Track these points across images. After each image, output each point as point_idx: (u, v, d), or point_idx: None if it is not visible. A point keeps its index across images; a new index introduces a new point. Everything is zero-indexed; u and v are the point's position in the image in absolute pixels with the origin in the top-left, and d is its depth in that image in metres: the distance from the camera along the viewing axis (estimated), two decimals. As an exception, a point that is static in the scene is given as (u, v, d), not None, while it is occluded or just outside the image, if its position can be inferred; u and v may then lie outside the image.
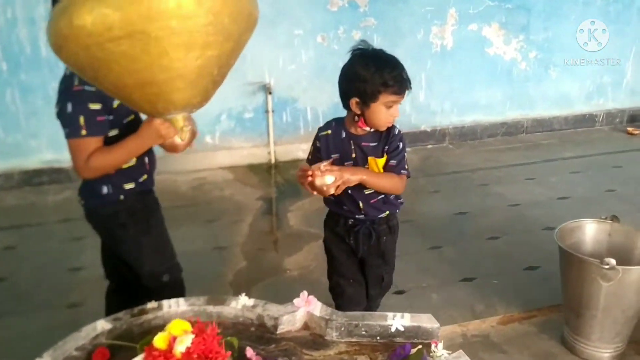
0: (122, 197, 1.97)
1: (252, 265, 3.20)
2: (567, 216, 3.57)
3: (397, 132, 2.05)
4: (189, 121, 1.70)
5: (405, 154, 2.06)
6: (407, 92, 1.96)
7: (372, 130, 2.01)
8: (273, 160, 4.89)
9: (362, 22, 4.82)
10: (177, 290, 2.07)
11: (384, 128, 1.99)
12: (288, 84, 4.79)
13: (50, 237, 3.60)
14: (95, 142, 1.81)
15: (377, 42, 4.60)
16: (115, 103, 1.84)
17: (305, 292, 1.52)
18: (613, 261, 2.20)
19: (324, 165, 1.88)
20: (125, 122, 1.91)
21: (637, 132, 5.70)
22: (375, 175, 1.99)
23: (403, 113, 4.93)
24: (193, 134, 1.86)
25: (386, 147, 2.02)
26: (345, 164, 2.02)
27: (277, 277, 3.06)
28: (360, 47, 1.97)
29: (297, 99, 4.86)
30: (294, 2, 4.60)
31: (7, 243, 3.51)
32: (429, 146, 5.33)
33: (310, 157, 2.12)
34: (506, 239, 3.48)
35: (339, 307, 2.15)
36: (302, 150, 4.94)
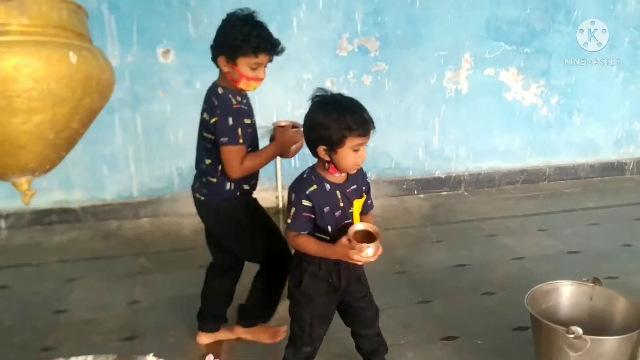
0: (239, 194, 2.49)
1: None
2: (574, 272, 3.54)
3: (364, 170, 2.21)
4: (291, 129, 2.49)
5: None
6: (372, 132, 2.05)
7: (346, 174, 2.12)
8: (281, 205, 4.94)
9: (372, 67, 4.89)
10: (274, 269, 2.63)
11: (353, 171, 2.10)
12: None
13: (45, 278, 3.73)
14: (245, 149, 2.35)
15: (388, 87, 4.74)
16: (253, 119, 2.45)
17: (210, 356, 1.55)
18: (579, 330, 2.14)
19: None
20: (254, 135, 2.49)
21: (668, 181, 5.53)
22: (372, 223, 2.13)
23: (417, 159, 5.00)
24: (300, 145, 2.40)
25: (364, 187, 2.19)
26: (336, 214, 2.10)
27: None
28: (318, 94, 2.08)
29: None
30: (303, 47, 4.70)
31: (3, 282, 3.65)
32: (444, 193, 5.30)
33: (295, 218, 2.08)
34: (501, 295, 3.41)
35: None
36: (310, 194, 4.99)
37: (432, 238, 4.32)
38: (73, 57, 1.21)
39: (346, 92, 4.66)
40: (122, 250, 4.18)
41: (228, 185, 2.44)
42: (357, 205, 2.13)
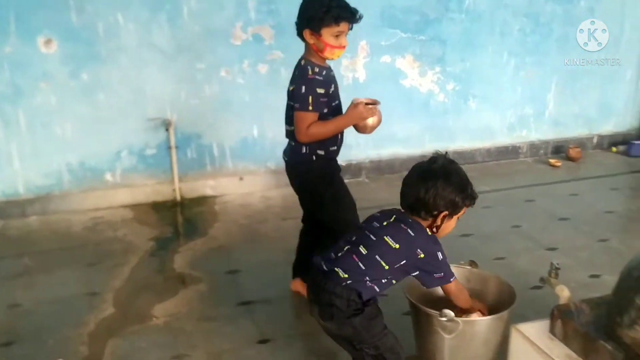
0: (314, 158, 2.76)
1: (118, 312, 3.18)
2: (464, 255, 3.67)
3: None
4: (376, 109, 2.71)
5: None
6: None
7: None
8: (179, 198, 4.89)
9: (268, 55, 4.89)
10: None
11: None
12: (192, 119, 4.82)
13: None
14: (314, 116, 2.64)
15: (285, 75, 4.73)
16: (331, 90, 2.71)
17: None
18: (451, 313, 2.24)
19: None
20: (333, 105, 2.75)
21: (559, 163, 5.85)
22: None
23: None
24: (379, 119, 2.74)
25: None
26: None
27: (140, 326, 3.04)
28: (439, 159, 2.24)
29: (202, 134, 4.90)
30: (195, 36, 4.65)
31: None
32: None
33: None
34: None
35: None
36: (209, 186, 4.98)
37: (329, 226, 4.39)
38: None
39: (242, 82, 4.72)
40: (5, 251, 4.03)
41: (303, 149, 2.75)
42: None
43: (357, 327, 2.07)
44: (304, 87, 2.63)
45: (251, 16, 4.76)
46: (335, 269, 2.07)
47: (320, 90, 2.64)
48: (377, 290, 2.10)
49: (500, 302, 2.47)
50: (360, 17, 2.64)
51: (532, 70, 5.85)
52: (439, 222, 2.12)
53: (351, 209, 2.88)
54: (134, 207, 4.77)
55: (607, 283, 2.19)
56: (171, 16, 4.54)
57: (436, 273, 2.11)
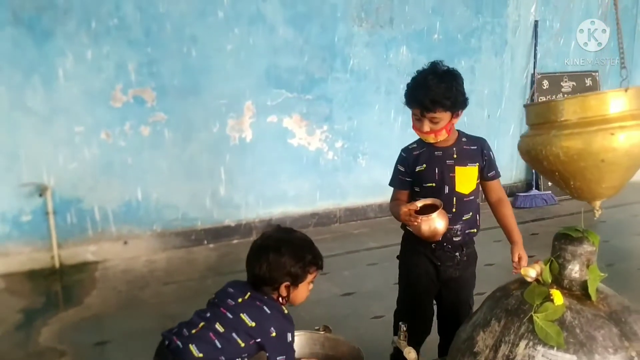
0: None
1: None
2: (343, 314, 3.84)
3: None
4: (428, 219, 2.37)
5: None
6: None
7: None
8: (57, 265, 4.84)
9: (150, 117, 4.99)
10: None
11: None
12: (71, 183, 4.83)
13: None
14: (395, 191, 2.72)
15: (169, 137, 4.85)
16: (418, 169, 2.57)
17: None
18: None
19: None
20: (425, 185, 2.57)
21: (448, 217, 6.15)
22: None
23: (204, 208, 5.13)
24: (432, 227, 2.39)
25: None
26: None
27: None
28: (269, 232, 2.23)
29: (83, 198, 4.90)
30: (72, 98, 4.70)
31: None
32: (235, 241, 5.49)
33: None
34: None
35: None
36: (90, 252, 4.96)
37: (212, 290, 4.38)
38: None
39: (123, 144, 4.79)
40: None
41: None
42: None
43: None
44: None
45: (131, 78, 4.87)
46: (190, 346, 2.05)
47: (401, 168, 2.69)
48: None
49: (347, 364, 2.59)
50: (435, 103, 2.38)
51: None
52: (283, 293, 2.12)
53: None
54: (7, 276, 4.68)
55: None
56: (46, 79, 4.59)
57: (280, 355, 2.07)
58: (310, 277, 2.19)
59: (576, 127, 1.54)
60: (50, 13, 4.54)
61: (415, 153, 2.60)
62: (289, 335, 2.09)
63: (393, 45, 5.90)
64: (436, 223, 2.33)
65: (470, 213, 2.61)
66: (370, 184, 6.10)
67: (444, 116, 2.42)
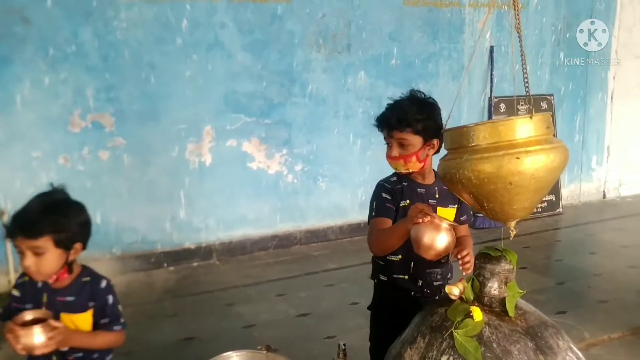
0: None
1: None
2: (298, 334, 3.88)
3: None
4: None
5: None
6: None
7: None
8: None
9: (109, 142, 5.01)
10: None
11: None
12: (28, 207, 4.80)
13: None
14: (378, 221, 2.33)
15: (128, 161, 4.87)
16: (402, 204, 2.35)
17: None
18: None
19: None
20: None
21: (407, 238, 6.23)
22: None
23: (164, 232, 5.14)
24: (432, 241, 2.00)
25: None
26: None
27: None
28: None
29: (40, 222, 4.87)
30: (29, 124, 4.71)
31: None
32: (194, 264, 5.50)
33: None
34: (218, 368, 3.61)
35: None
36: (47, 277, 4.90)
37: (168, 312, 4.47)
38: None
39: (82, 169, 4.79)
40: None
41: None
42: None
43: None
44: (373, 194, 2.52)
45: (90, 104, 4.90)
46: None
47: (386, 196, 2.40)
48: None
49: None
50: (402, 122, 2.28)
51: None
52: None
53: None
54: (-37, 302, 4.62)
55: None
56: (3, 104, 4.60)
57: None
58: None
59: (485, 152, 1.62)
60: (7, 41, 4.57)
61: (397, 186, 2.41)
62: None
63: (351, 71, 6.02)
64: (441, 235, 1.97)
65: (449, 255, 2.41)
66: (331, 206, 6.17)
67: (414, 140, 2.29)
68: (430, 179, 2.45)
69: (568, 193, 7.78)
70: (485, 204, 1.70)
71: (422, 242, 1.98)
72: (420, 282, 2.45)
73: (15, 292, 2.14)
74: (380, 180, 2.50)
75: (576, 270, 5.38)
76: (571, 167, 7.75)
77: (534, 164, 1.58)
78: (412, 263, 2.40)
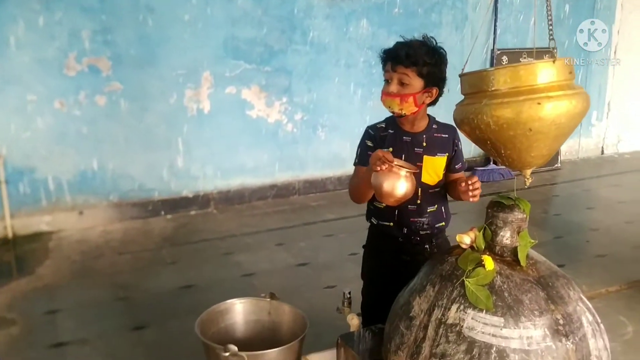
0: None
1: None
2: (297, 283, 3.88)
3: None
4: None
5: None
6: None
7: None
8: (10, 235, 4.77)
9: (106, 86, 4.92)
10: None
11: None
12: (24, 152, 4.75)
13: None
14: (359, 169, 2.30)
15: (125, 107, 4.79)
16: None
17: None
18: (234, 348, 2.33)
19: None
20: None
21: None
22: None
23: (162, 180, 5.10)
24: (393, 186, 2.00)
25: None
26: None
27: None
28: None
29: (36, 168, 4.82)
30: (24, 67, 4.60)
31: None
32: (192, 212, 5.48)
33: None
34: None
35: None
36: (44, 222, 4.90)
37: (167, 260, 4.46)
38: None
39: (78, 114, 4.72)
40: None
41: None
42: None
43: None
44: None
45: (85, 46, 4.78)
46: None
47: (369, 143, 2.35)
48: None
49: (294, 332, 2.61)
50: (410, 58, 2.18)
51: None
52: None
53: None
54: (-43, 247, 4.61)
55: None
56: (-4, 46, 4.49)
57: None
58: None
59: (506, 97, 1.56)
60: (0, -22, 4.42)
61: (382, 133, 2.34)
62: None
63: (353, 18, 5.89)
64: (400, 182, 1.98)
65: (436, 205, 2.41)
66: (330, 156, 6.13)
67: (415, 81, 2.20)
68: (419, 127, 2.35)
69: (567, 149, 7.76)
70: (503, 151, 1.65)
71: (382, 189, 2.00)
72: (405, 230, 2.41)
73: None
74: (369, 125, 2.44)
75: (574, 224, 5.39)
76: (571, 122, 7.69)
77: (555, 109, 1.53)
78: (397, 211, 2.36)
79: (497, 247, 1.81)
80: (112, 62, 4.89)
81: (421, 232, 2.42)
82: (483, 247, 1.83)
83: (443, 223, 2.47)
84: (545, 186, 6.73)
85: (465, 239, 1.85)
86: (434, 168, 2.35)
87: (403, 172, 1.98)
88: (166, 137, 5.25)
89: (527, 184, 1.75)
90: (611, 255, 4.60)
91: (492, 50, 6.81)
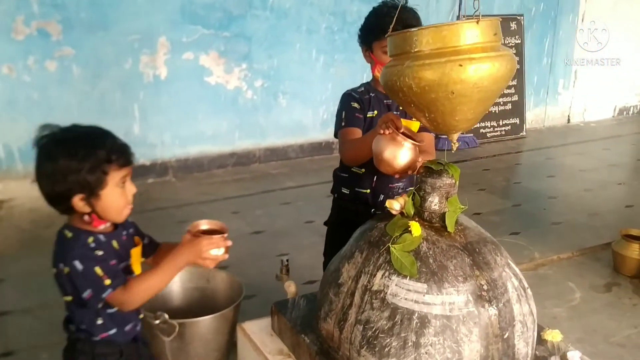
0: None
1: None
2: (251, 252, 3.85)
3: None
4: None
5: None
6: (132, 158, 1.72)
7: None
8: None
9: (56, 51, 4.78)
10: None
11: (127, 212, 1.75)
12: (-29, 119, 4.62)
13: None
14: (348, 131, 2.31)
15: (77, 73, 4.66)
16: (369, 114, 2.33)
17: None
18: (165, 315, 2.32)
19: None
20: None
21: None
22: None
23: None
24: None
25: (131, 230, 1.97)
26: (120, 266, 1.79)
27: None
28: (44, 135, 1.63)
29: (-16, 135, 4.70)
30: (-31, 30, 4.45)
31: None
32: (150, 181, 5.39)
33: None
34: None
35: None
36: (-4, 190, 4.79)
37: (120, 229, 4.39)
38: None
39: (28, 79, 4.58)
40: None
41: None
42: (136, 254, 1.84)
43: None
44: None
45: (34, 10, 4.63)
46: None
47: (355, 105, 2.39)
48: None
49: (232, 300, 2.60)
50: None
51: (342, 67, 6.13)
52: (84, 209, 1.64)
53: None
54: None
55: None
56: (-61, 8, 4.32)
57: (84, 292, 1.64)
58: (113, 179, 1.64)
59: (428, 58, 1.52)
60: None
61: (365, 97, 2.35)
62: (77, 263, 1.62)
63: (315, -18, 5.79)
64: (402, 152, 1.89)
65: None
66: (292, 124, 6.07)
67: None
68: None
69: (533, 117, 7.78)
70: (427, 114, 1.62)
71: (382, 155, 1.92)
72: (381, 197, 2.42)
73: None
74: (347, 90, 2.43)
75: (533, 192, 5.43)
76: (537, 90, 7.72)
77: (477, 72, 1.50)
78: (375, 177, 2.38)
79: (426, 213, 1.80)
80: (62, 25, 4.74)
81: None
82: (412, 213, 1.81)
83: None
84: (509, 154, 6.76)
85: (395, 205, 1.83)
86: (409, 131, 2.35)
87: (408, 143, 1.90)
88: (122, 104, 5.15)
89: (454, 149, 1.72)
90: (566, 222, 4.65)
91: (458, 17, 6.74)
